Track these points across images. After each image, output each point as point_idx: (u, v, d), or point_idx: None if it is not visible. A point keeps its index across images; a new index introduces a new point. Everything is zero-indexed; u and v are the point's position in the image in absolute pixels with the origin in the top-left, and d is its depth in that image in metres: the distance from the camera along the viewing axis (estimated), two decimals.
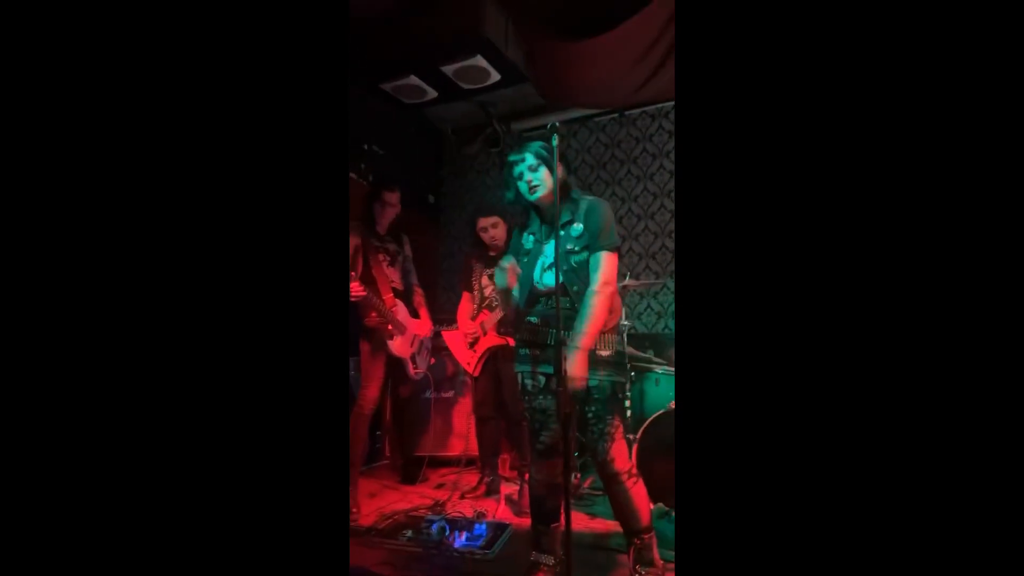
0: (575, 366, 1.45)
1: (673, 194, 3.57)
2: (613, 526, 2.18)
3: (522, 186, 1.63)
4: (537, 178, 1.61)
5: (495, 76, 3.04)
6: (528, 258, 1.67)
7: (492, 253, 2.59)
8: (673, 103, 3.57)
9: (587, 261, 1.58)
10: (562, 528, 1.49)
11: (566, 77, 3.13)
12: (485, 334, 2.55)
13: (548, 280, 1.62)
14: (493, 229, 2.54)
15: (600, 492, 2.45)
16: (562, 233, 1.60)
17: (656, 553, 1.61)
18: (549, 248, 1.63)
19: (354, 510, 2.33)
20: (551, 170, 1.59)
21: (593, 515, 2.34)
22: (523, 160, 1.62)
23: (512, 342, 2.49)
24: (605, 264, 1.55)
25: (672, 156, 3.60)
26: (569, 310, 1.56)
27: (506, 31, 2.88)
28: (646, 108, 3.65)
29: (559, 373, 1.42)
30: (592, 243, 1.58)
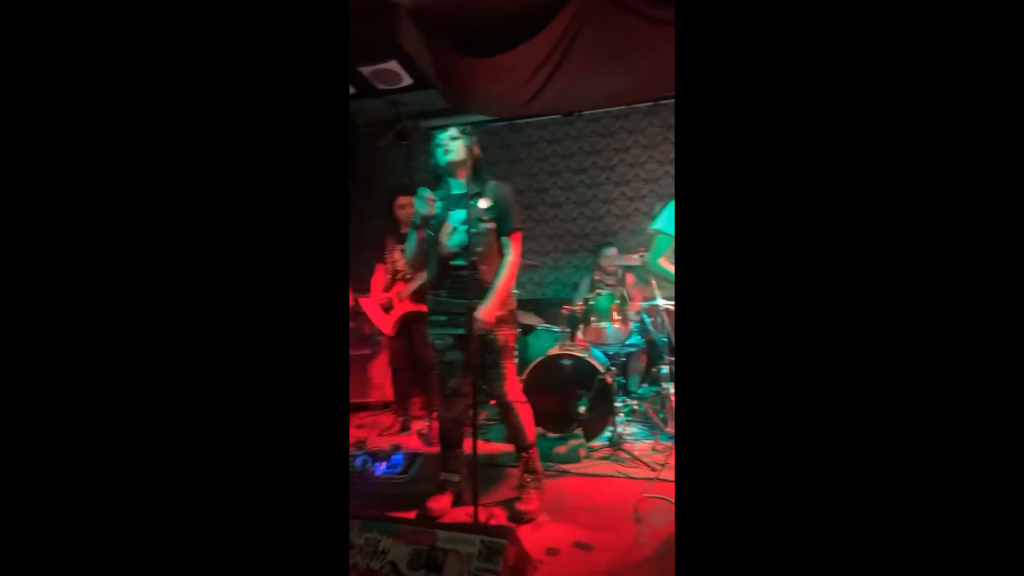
0: (487, 311, 1.53)
1: (547, 193, 3.71)
2: (503, 447, 2.31)
3: (439, 151, 1.62)
4: (453, 147, 1.61)
5: (407, 80, 2.89)
6: (436, 220, 1.64)
7: (404, 231, 2.52)
8: (552, 117, 3.66)
9: (494, 233, 1.62)
10: (466, 453, 1.56)
11: (467, 87, 3.07)
12: (401, 300, 2.49)
13: (453, 241, 1.61)
14: (410, 207, 2.46)
15: (494, 421, 2.56)
16: (472, 203, 1.59)
17: (539, 463, 1.73)
18: (455, 214, 1.62)
19: None
20: (465, 145, 1.61)
21: (487, 440, 2.45)
22: (446, 131, 1.63)
23: (426, 308, 2.47)
24: (516, 243, 1.63)
25: (550, 160, 3.72)
26: (477, 276, 1.58)
27: (419, 43, 2.74)
28: (530, 120, 3.70)
29: (469, 332, 1.47)
30: (502, 222, 1.63)
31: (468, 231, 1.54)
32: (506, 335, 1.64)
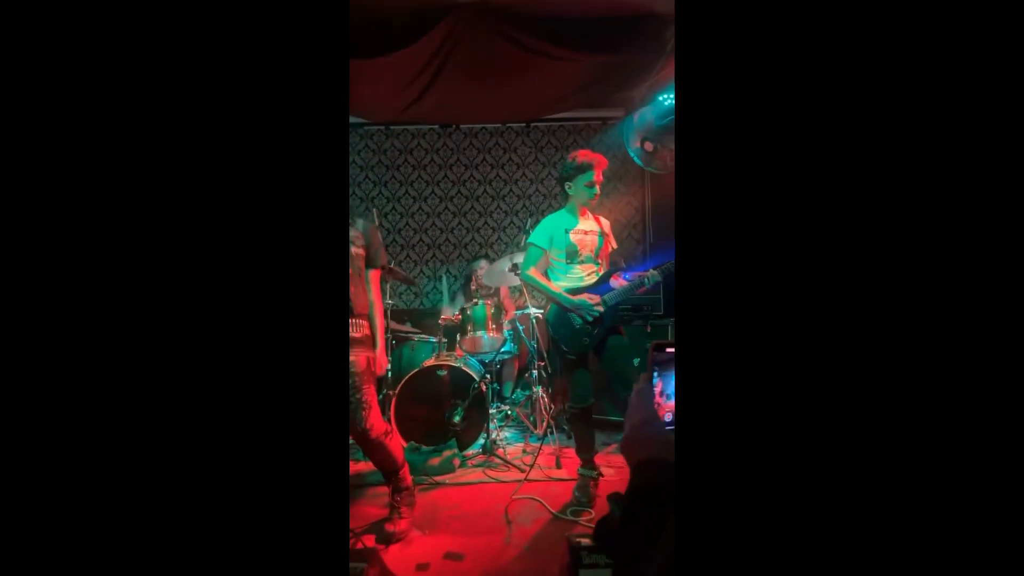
0: (382, 355, 1.63)
1: (425, 201, 3.68)
2: (369, 466, 2.19)
3: None
4: None
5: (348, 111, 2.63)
6: None
7: None
8: (429, 127, 3.65)
9: (363, 260, 1.61)
10: None
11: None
12: None
13: None
14: None
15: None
16: None
17: (409, 480, 1.68)
18: None
19: None
20: None
21: (356, 460, 2.31)
22: None
23: None
24: (375, 281, 1.66)
25: (428, 169, 3.70)
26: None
27: None
28: (407, 127, 3.65)
29: None
30: (371, 258, 1.63)
31: None
32: (365, 357, 1.53)
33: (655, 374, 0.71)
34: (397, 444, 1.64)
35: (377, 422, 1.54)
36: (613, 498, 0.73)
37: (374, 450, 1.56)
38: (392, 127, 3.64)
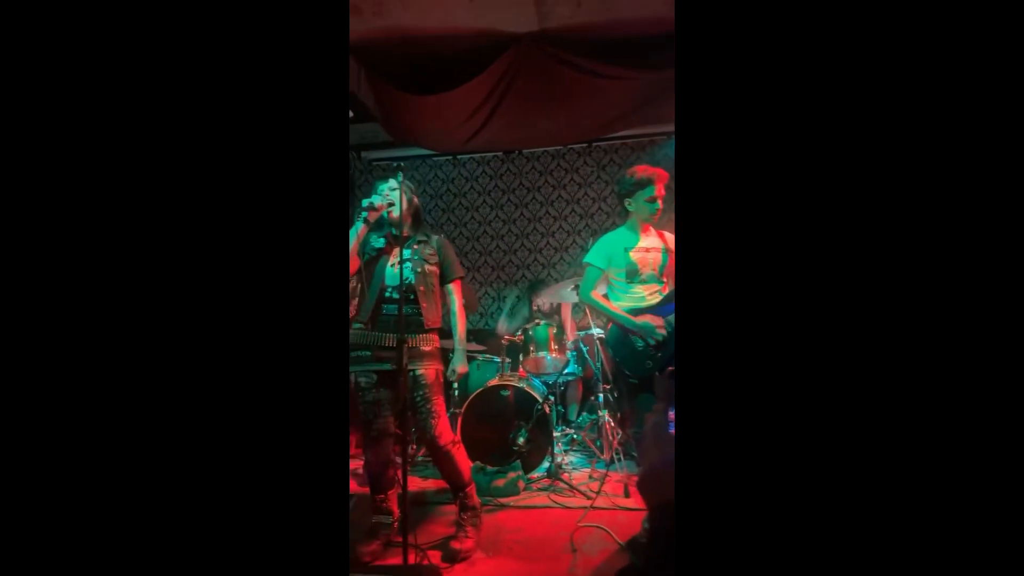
0: (462, 366, 1.70)
1: (487, 225, 3.80)
2: (439, 483, 2.25)
3: (376, 197, 1.64)
4: (394, 196, 1.62)
5: (348, 113, 2.91)
6: (377, 255, 1.67)
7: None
8: (493, 154, 3.80)
9: (436, 277, 1.71)
10: (399, 491, 1.51)
11: (408, 122, 3.13)
12: None
13: (392, 278, 1.63)
14: (354, 241, 2.45)
15: (427, 458, 2.49)
16: (416, 246, 1.68)
17: (476, 499, 1.70)
18: (403, 252, 1.64)
19: None
20: (405, 196, 1.63)
21: (424, 477, 2.38)
22: (387, 183, 1.68)
23: None
24: (458, 290, 1.75)
25: (492, 194, 3.83)
26: (414, 313, 1.62)
27: (359, 78, 2.78)
28: (473, 155, 3.81)
29: (399, 367, 1.45)
30: (447, 273, 1.73)
31: (413, 270, 1.62)
32: (435, 370, 1.63)
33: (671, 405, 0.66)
34: (464, 457, 1.67)
35: (445, 431, 1.60)
36: (633, 547, 0.67)
37: (442, 460, 1.61)
38: (459, 156, 3.83)
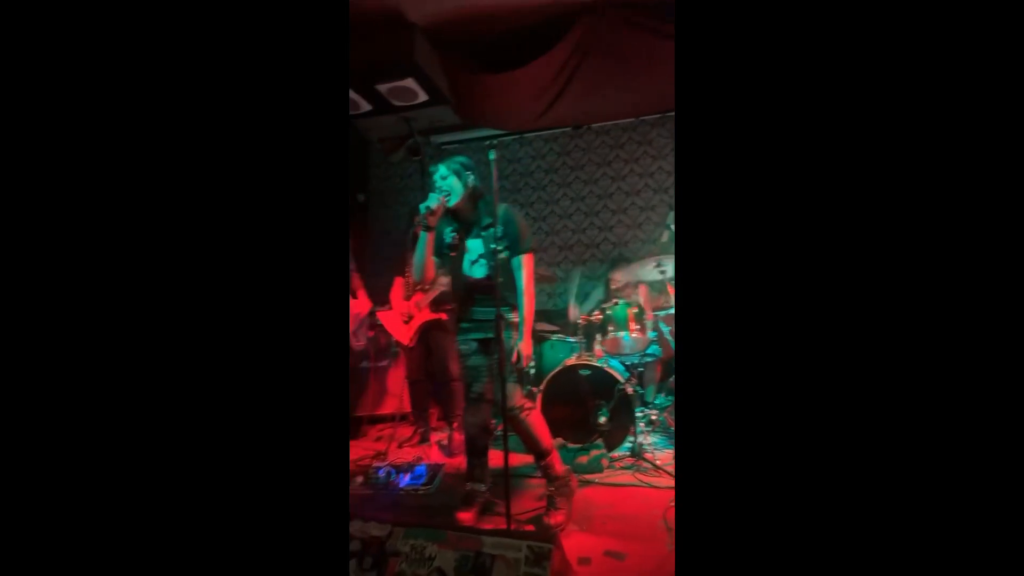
0: (526, 347, 1.60)
1: (555, 204, 3.75)
2: (526, 458, 2.31)
3: (432, 196, 1.59)
4: (447, 185, 1.62)
5: (422, 96, 2.96)
6: (454, 253, 1.69)
7: None
8: (563, 129, 3.72)
9: (509, 260, 1.63)
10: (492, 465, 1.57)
11: (479, 102, 3.13)
12: (420, 311, 2.52)
13: (476, 272, 1.66)
14: None
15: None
16: (484, 234, 1.64)
17: (559, 467, 1.71)
18: (473, 245, 1.67)
19: None
20: (462, 181, 1.63)
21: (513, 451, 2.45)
22: (436, 171, 1.66)
23: (445, 317, 2.50)
24: (527, 264, 1.64)
25: (559, 172, 3.77)
26: (499, 297, 1.62)
27: (433, 60, 2.81)
28: (540, 132, 3.76)
29: (497, 336, 1.51)
30: (514, 246, 1.63)
31: (488, 264, 1.61)
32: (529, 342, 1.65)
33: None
34: (542, 424, 1.68)
35: (516, 394, 1.61)
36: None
37: (518, 426, 1.64)
38: (525, 135, 3.80)
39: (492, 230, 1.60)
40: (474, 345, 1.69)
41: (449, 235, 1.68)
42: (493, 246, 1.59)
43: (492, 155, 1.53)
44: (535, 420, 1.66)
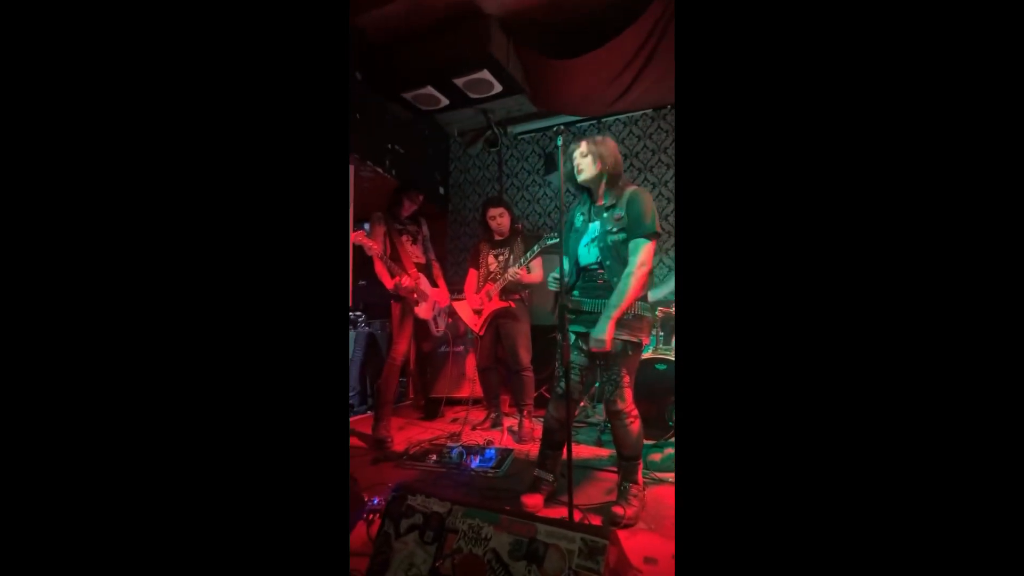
0: (603, 331, 1.49)
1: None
2: (594, 451, 2.27)
3: (572, 171, 1.65)
4: (584, 163, 1.63)
5: (498, 87, 2.99)
6: (575, 234, 1.70)
7: (497, 237, 2.62)
8: (641, 112, 3.55)
9: (625, 242, 1.54)
10: (563, 456, 1.56)
11: (555, 89, 3.09)
12: (490, 300, 2.58)
13: (587, 257, 1.65)
14: (500, 218, 2.60)
15: (591, 424, 2.53)
16: (604, 215, 1.61)
17: (640, 475, 1.68)
18: (592, 227, 1.65)
19: (388, 439, 2.38)
20: (593, 157, 1.62)
21: (578, 443, 2.43)
22: (577, 147, 1.66)
23: (513, 305, 2.54)
24: (643, 250, 1.51)
25: (640, 156, 3.60)
26: (604, 283, 1.61)
27: (507, 50, 2.82)
28: (619, 116, 3.61)
29: (562, 331, 1.48)
30: (632, 229, 1.53)
31: (599, 245, 1.58)
32: (624, 342, 1.57)
33: None
34: (641, 432, 1.65)
35: (628, 402, 1.60)
36: None
37: (619, 430, 1.62)
38: (604, 119, 3.68)
39: (613, 211, 1.57)
40: (572, 338, 1.65)
41: (579, 220, 1.69)
42: (608, 227, 1.56)
43: (559, 141, 1.50)
44: (637, 428, 1.63)
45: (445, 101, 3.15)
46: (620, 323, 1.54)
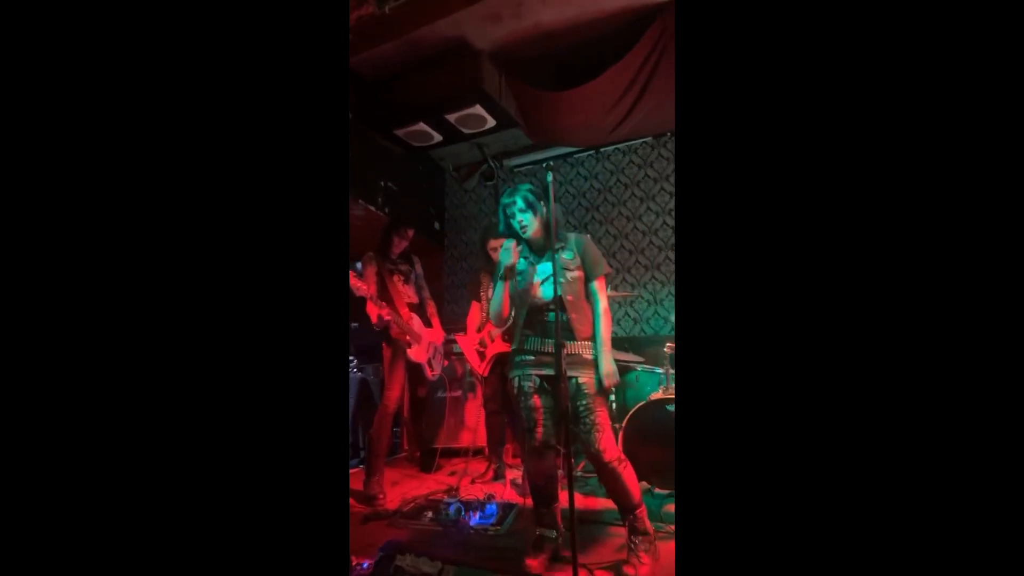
0: (611, 363, 1.63)
1: (638, 220, 3.66)
2: (606, 503, 2.22)
3: (514, 224, 1.72)
4: (527, 219, 1.71)
5: (491, 122, 3.13)
6: (522, 277, 1.74)
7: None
8: (641, 140, 3.67)
9: (582, 281, 1.71)
10: (563, 506, 1.52)
11: (550, 121, 3.22)
12: (493, 341, 2.59)
13: (545, 293, 1.68)
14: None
15: (592, 474, 2.47)
16: (556, 257, 1.65)
17: (648, 523, 1.64)
18: (542, 267, 1.71)
19: (380, 495, 2.34)
20: (536, 212, 1.71)
21: (586, 494, 2.37)
22: (514, 203, 1.71)
23: None
24: (602, 289, 1.72)
25: (641, 185, 3.70)
26: (566, 321, 1.63)
27: (500, 84, 2.97)
28: (618, 145, 3.74)
29: (558, 373, 1.48)
30: (589, 272, 1.72)
31: (557, 282, 1.61)
32: (598, 380, 1.61)
33: None
34: (632, 476, 1.63)
35: (610, 446, 1.58)
36: None
37: (608, 477, 1.60)
38: (602, 149, 3.81)
39: (564, 252, 1.70)
40: (537, 381, 1.66)
41: (523, 264, 1.75)
42: (562, 267, 1.66)
43: (549, 177, 1.56)
44: (627, 472, 1.62)
45: (438, 137, 3.29)
46: (587, 361, 1.62)
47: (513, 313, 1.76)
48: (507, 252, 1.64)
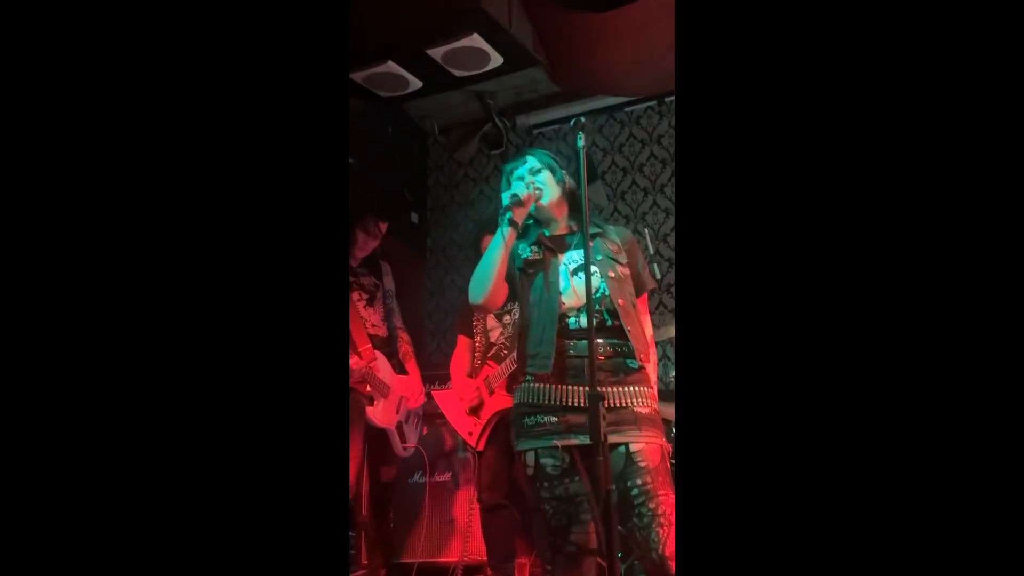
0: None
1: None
2: None
3: (519, 188, 1.64)
4: (541, 180, 1.68)
5: (496, 59, 3.08)
6: (534, 270, 1.68)
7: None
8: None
9: (631, 283, 1.72)
10: None
11: (587, 58, 3.18)
12: (492, 394, 2.50)
13: (572, 297, 1.62)
14: None
15: None
16: (591, 242, 1.60)
17: None
18: (567, 257, 1.67)
19: None
20: (556, 177, 1.72)
21: None
22: (524, 163, 1.72)
23: None
24: (645, 311, 1.79)
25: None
26: (616, 344, 1.59)
27: (509, 3, 2.92)
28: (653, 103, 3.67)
29: (596, 439, 1.34)
30: (639, 280, 1.77)
31: (601, 275, 1.60)
32: (660, 446, 1.57)
33: None
34: None
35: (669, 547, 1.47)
36: None
37: None
38: (666, 99, 3.72)
39: (601, 240, 1.70)
40: (566, 459, 1.55)
41: (528, 250, 1.71)
42: (604, 256, 1.67)
43: (580, 140, 1.50)
44: None
45: (416, 83, 3.26)
46: (642, 418, 1.57)
47: (513, 313, 1.69)
48: (520, 187, 1.62)
